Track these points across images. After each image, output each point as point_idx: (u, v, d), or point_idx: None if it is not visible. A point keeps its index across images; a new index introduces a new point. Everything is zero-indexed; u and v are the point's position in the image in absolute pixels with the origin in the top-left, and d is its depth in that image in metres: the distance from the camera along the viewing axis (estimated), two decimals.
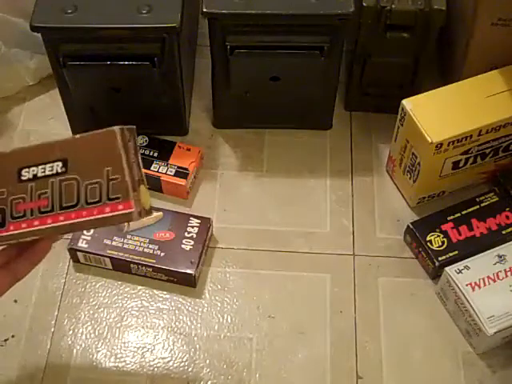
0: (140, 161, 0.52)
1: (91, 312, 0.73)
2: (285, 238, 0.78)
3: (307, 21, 0.72)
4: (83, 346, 0.71)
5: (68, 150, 0.52)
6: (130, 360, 0.70)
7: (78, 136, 0.52)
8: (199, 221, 0.76)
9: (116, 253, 0.73)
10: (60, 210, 0.51)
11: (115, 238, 0.74)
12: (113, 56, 0.72)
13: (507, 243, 0.72)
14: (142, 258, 0.73)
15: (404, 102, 0.73)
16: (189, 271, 0.73)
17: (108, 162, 0.50)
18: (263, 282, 0.75)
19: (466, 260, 0.70)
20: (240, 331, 0.72)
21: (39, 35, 0.71)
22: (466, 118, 0.72)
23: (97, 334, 0.72)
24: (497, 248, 0.71)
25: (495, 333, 0.66)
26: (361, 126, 0.88)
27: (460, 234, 0.74)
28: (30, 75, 0.89)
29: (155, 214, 0.75)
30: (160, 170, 0.79)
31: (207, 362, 0.70)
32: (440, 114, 0.72)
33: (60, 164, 0.52)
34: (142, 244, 0.74)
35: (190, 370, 0.70)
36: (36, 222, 0.51)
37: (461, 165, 0.76)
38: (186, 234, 0.75)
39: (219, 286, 0.75)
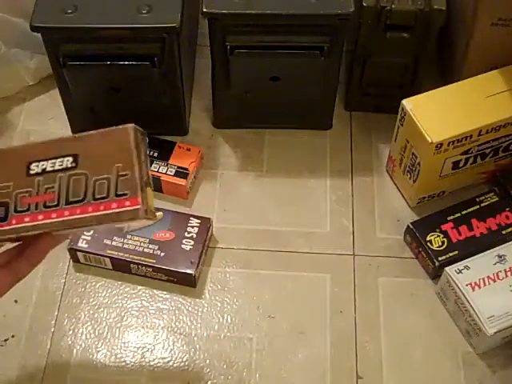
0: (148, 164, 0.52)
1: (91, 312, 0.73)
2: (285, 238, 0.78)
3: (307, 21, 0.72)
4: (83, 346, 0.71)
5: (80, 145, 0.52)
6: (129, 360, 0.70)
7: (91, 132, 0.52)
8: (199, 221, 0.76)
9: (116, 253, 0.73)
10: (66, 204, 0.51)
11: (115, 237, 0.74)
12: (113, 56, 0.72)
13: (507, 243, 0.72)
14: (142, 258, 0.73)
15: (404, 102, 0.73)
16: (189, 271, 0.73)
17: (119, 158, 0.50)
18: (263, 281, 0.75)
19: (466, 260, 0.70)
20: (240, 331, 0.72)
21: (39, 35, 0.71)
22: (466, 118, 0.72)
23: (97, 333, 0.72)
24: (497, 248, 0.71)
25: (495, 333, 0.66)
26: (361, 125, 0.88)
27: (460, 234, 0.74)
28: (30, 75, 0.89)
29: (156, 213, 0.75)
30: (160, 170, 0.79)
31: (207, 362, 0.70)
32: (440, 114, 0.72)
33: (70, 159, 0.51)
34: (141, 244, 0.74)
35: (190, 370, 0.70)
36: (40, 216, 0.51)
37: (461, 165, 0.76)
38: (186, 234, 0.75)
39: (219, 286, 0.75)
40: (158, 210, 0.75)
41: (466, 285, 0.68)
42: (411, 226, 0.75)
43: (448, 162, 0.74)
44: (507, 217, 0.75)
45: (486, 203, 0.76)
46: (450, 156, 0.73)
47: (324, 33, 0.72)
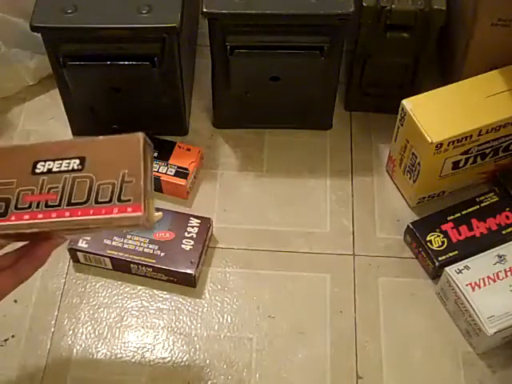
0: (152, 177, 0.52)
1: (91, 312, 0.73)
2: (285, 238, 0.78)
3: (307, 21, 0.72)
4: (83, 345, 0.71)
5: (88, 149, 0.52)
6: (129, 360, 0.70)
7: (100, 137, 0.52)
8: (199, 221, 0.76)
9: (116, 253, 0.73)
10: (67, 205, 0.51)
11: (115, 237, 0.74)
12: (113, 56, 0.72)
13: (507, 243, 0.72)
14: (142, 258, 0.73)
15: (404, 102, 0.73)
16: (189, 271, 0.73)
17: (126, 164, 0.50)
18: (263, 281, 0.75)
19: (466, 260, 0.70)
20: (240, 331, 0.72)
21: (39, 35, 0.71)
22: (466, 118, 0.72)
23: (97, 333, 0.72)
24: (497, 248, 0.71)
25: (495, 333, 0.66)
26: (361, 125, 0.88)
27: (460, 234, 0.74)
28: (30, 75, 0.89)
29: (156, 214, 0.75)
30: (160, 170, 0.79)
31: (207, 362, 0.70)
32: (440, 114, 0.72)
33: (77, 161, 0.51)
34: (141, 244, 0.74)
35: (190, 369, 0.70)
36: (40, 215, 0.51)
37: (461, 165, 0.76)
38: (186, 234, 0.75)
39: (219, 286, 0.75)
40: (158, 210, 0.75)
41: (466, 285, 0.68)
42: (411, 226, 0.75)
43: (448, 162, 0.74)
44: (507, 217, 0.75)
45: (486, 203, 0.76)
46: (450, 156, 0.73)
47: (324, 33, 0.72)
